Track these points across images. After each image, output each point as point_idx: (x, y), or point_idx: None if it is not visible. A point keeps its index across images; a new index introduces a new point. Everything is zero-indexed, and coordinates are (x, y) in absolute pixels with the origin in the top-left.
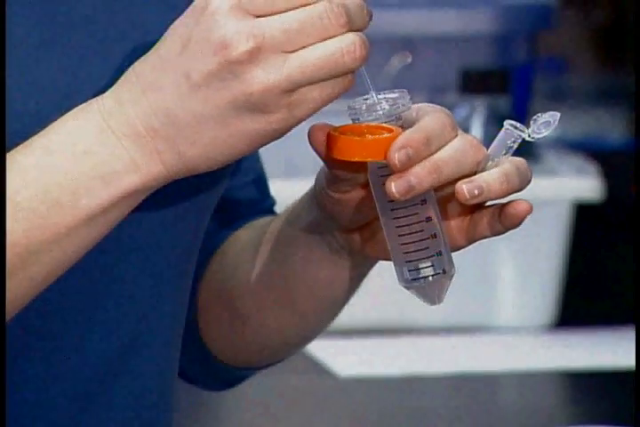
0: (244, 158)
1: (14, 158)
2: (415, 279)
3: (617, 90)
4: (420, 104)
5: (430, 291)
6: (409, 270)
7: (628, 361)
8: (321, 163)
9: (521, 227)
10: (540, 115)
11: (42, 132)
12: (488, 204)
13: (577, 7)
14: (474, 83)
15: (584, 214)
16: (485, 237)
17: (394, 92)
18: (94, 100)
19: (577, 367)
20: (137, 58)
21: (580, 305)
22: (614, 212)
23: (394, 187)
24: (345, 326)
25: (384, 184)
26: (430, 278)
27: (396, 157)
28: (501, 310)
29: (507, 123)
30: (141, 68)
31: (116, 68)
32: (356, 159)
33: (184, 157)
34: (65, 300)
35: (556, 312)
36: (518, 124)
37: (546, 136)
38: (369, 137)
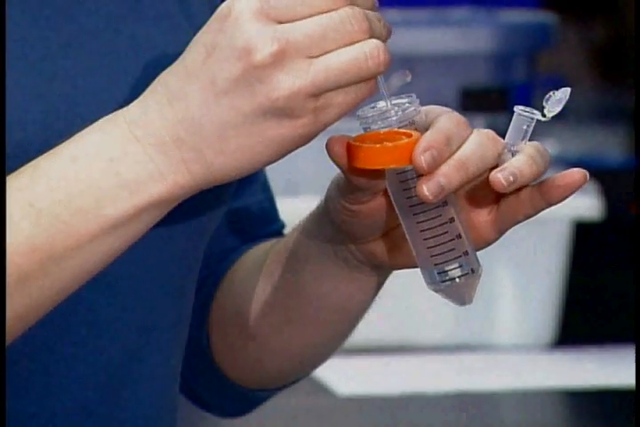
0: (255, 179)
1: (39, 165)
2: (444, 281)
3: (616, 108)
4: (426, 107)
5: (460, 292)
6: (437, 273)
7: (628, 380)
8: (323, 180)
9: (521, 245)
10: (552, 92)
11: (68, 141)
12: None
13: (576, 26)
14: (473, 101)
15: (584, 233)
16: (518, 223)
17: (402, 97)
18: (120, 110)
19: (577, 386)
20: (139, 73)
21: (579, 324)
22: (614, 230)
23: (426, 189)
24: (344, 344)
25: (404, 189)
26: (459, 280)
27: (422, 159)
28: (502, 329)
29: (517, 108)
30: (167, 78)
31: (118, 83)
32: (382, 167)
33: (211, 166)
34: (66, 312)
35: (555, 331)
36: (528, 108)
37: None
38: (390, 144)
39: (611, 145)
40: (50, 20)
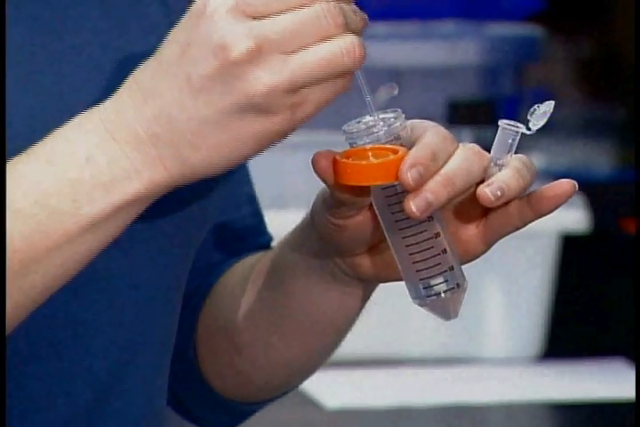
0: (241, 192)
1: (15, 167)
2: (429, 296)
3: (603, 121)
4: (411, 121)
5: (445, 306)
6: (423, 288)
7: (616, 393)
8: (311, 193)
9: (508, 259)
10: (537, 106)
11: (43, 141)
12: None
13: (563, 39)
14: (461, 114)
15: (571, 246)
16: (506, 235)
17: (387, 112)
18: (95, 108)
19: (564, 399)
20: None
21: (567, 336)
22: (601, 243)
23: (413, 206)
24: (332, 356)
25: (390, 205)
26: (444, 294)
27: (409, 176)
28: (489, 342)
29: (502, 122)
30: (142, 75)
31: (105, 97)
32: (368, 183)
33: (187, 163)
34: (52, 326)
35: (543, 344)
36: (512, 122)
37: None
38: (376, 160)
39: (598, 158)
40: (36, 36)
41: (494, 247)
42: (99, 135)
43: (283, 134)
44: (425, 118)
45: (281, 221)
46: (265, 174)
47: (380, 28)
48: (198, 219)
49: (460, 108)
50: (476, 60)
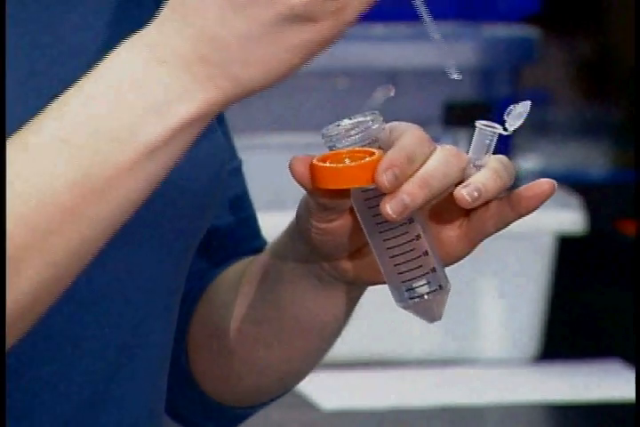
0: (238, 192)
1: (66, 101)
2: (412, 298)
3: (600, 123)
4: (390, 123)
5: (429, 308)
6: (406, 290)
7: (611, 394)
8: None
9: (504, 259)
10: (513, 106)
11: (89, 75)
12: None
13: (560, 41)
14: (457, 116)
15: (567, 247)
16: (488, 236)
17: (366, 115)
18: (139, 34)
19: (560, 400)
20: None
21: (563, 338)
22: (597, 245)
23: (389, 208)
24: (328, 358)
25: (370, 207)
26: (427, 296)
27: (384, 179)
28: (486, 343)
29: (478, 123)
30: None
31: None
32: (344, 186)
33: (239, 79)
34: (49, 329)
35: (540, 345)
36: (489, 123)
37: (528, 169)
38: (352, 163)
39: (595, 159)
40: (36, 38)
41: (490, 248)
42: (145, 61)
43: (330, 40)
44: (421, 120)
45: (277, 223)
46: (261, 176)
47: (378, 29)
48: (197, 222)
49: (457, 110)
50: (473, 62)
